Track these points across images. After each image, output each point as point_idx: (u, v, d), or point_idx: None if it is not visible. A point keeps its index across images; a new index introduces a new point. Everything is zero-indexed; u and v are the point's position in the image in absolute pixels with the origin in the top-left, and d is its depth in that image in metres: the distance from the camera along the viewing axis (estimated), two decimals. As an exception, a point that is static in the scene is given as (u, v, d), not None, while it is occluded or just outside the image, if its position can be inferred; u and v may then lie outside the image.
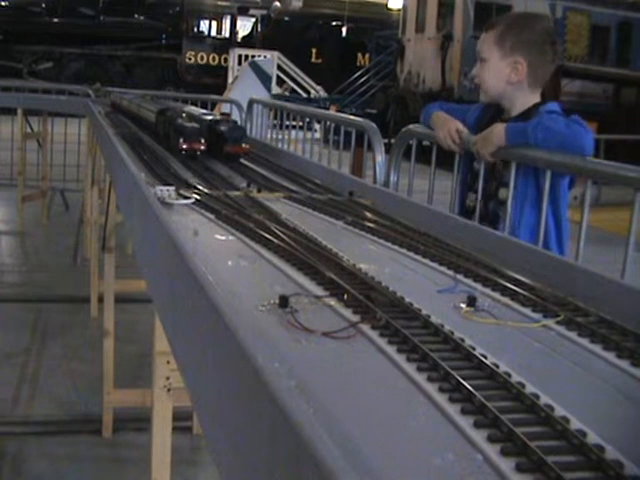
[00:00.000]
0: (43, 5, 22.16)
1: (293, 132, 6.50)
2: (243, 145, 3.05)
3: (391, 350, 1.14)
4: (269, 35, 23.02)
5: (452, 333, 1.18)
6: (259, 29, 23.88)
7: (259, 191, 2.45)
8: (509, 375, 1.04)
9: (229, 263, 1.63)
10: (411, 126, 3.55)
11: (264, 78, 17.76)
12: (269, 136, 7.01)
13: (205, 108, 6.76)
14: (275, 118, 6.89)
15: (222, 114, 3.56)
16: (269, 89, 17.72)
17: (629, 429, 1.00)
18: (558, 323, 1.32)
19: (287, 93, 18.86)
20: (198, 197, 2.21)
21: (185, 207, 2.15)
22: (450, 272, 1.61)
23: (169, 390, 1.91)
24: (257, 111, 7.13)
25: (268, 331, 1.21)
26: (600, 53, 16.55)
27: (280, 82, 19.26)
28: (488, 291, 1.49)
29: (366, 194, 2.43)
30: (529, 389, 1.00)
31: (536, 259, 1.62)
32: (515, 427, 0.89)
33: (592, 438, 0.89)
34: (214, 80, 21.40)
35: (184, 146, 2.95)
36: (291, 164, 3.16)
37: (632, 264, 2.44)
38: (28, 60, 21.80)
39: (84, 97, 7.71)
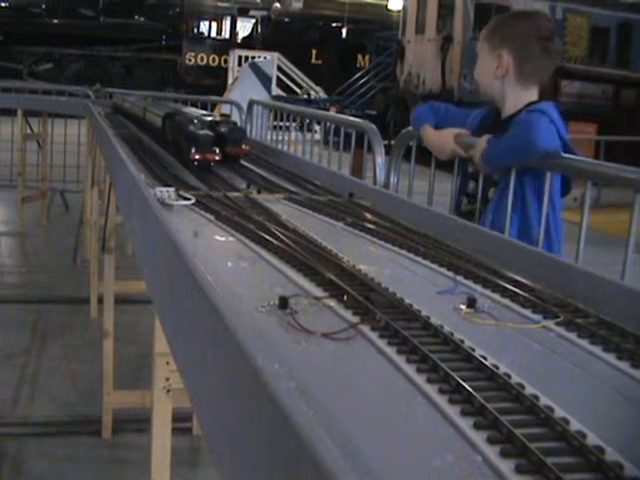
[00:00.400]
0: (43, 6, 22.16)
1: (293, 133, 6.50)
2: (243, 146, 3.02)
3: (391, 351, 1.14)
4: (269, 36, 23.03)
5: (452, 334, 1.18)
6: (259, 30, 23.89)
7: (259, 192, 2.45)
8: (509, 376, 1.04)
9: (229, 264, 1.63)
10: (411, 127, 3.55)
11: (264, 79, 17.76)
12: (269, 137, 7.01)
13: (205, 109, 6.77)
14: (275, 119, 6.90)
15: (222, 115, 3.56)
16: (269, 90, 17.72)
17: (629, 430, 1.00)
18: (558, 324, 1.32)
19: (306, 95, 19.02)
20: (198, 198, 2.21)
21: (185, 208, 2.15)
22: (450, 273, 1.61)
23: (169, 391, 1.91)
24: (257, 112, 7.14)
25: (268, 332, 1.21)
26: (600, 54, 16.56)
27: (299, 87, 19.42)
28: (488, 292, 1.49)
29: (366, 195, 2.43)
30: (529, 390, 1.00)
31: (536, 260, 1.62)
32: (515, 428, 0.89)
33: (592, 439, 0.89)
34: (214, 81, 21.41)
35: (196, 156, 2.74)
36: (291, 165, 3.16)
37: (632, 266, 2.44)
38: (28, 61, 21.80)
39: (84, 98, 7.71)
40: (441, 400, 0.98)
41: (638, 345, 1.21)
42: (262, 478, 0.84)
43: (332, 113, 10.59)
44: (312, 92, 19.61)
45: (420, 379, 1.05)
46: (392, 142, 3.99)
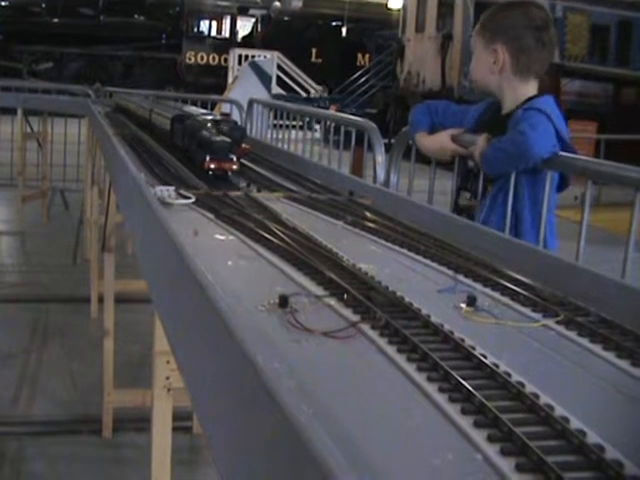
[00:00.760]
0: (43, 5, 22.15)
1: (293, 132, 6.50)
2: (243, 145, 3.01)
3: (391, 350, 1.14)
4: (269, 35, 23.02)
5: (452, 333, 1.18)
6: (259, 29, 23.88)
7: (259, 191, 2.45)
8: (509, 375, 1.04)
9: (229, 263, 1.63)
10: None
11: (264, 78, 17.76)
12: (269, 136, 7.01)
13: (205, 108, 6.77)
14: (275, 118, 6.90)
15: (222, 114, 3.57)
16: (269, 89, 17.72)
17: (629, 429, 1.00)
18: (558, 323, 1.32)
19: (325, 94, 19.14)
20: (198, 197, 2.21)
21: (185, 207, 2.15)
22: (450, 272, 1.61)
23: (169, 390, 1.91)
24: (257, 111, 7.14)
25: (268, 331, 1.21)
26: (600, 53, 16.55)
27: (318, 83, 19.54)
28: (488, 291, 1.49)
29: (366, 194, 2.43)
30: (529, 389, 1.00)
31: (536, 259, 1.62)
32: (515, 427, 0.89)
33: (592, 438, 0.89)
34: (214, 80, 21.39)
35: (211, 165, 2.47)
36: (291, 164, 3.16)
37: (632, 264, 2.44)
38: (28, 60, 21.79)
39: (84, 97, 7.71)
40: (441, 398, 0.98)
41: (638, 343, 1.21)
42: (262, 477, 0.84)
43: (332, 112, 10.59)
44: (312, 90, 19.61)
45: (420, 377, 1.05)
46: (392, 140, 3.99)
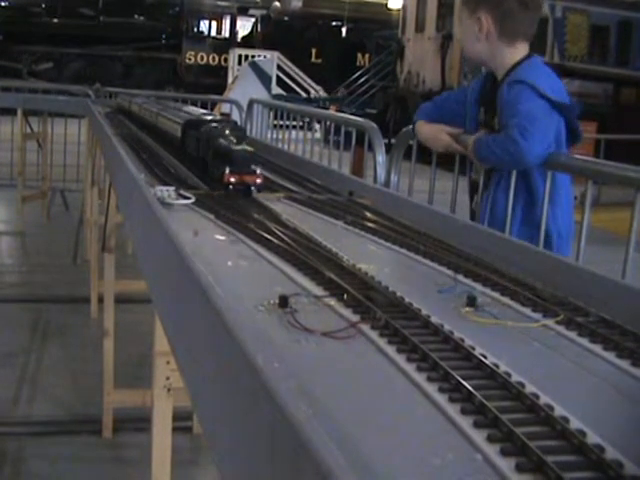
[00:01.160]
0: (43, 5, 22.15)
1: (293, 132, 6.50)
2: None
3: (391, 350, 1.14)
4: (269, 35, 23.01)
5: (452, 333, 1.18)
6: (259, 29, 23.88)
7: (259, 191, 2.45)
8: (509, 375, 1.04)
9: (229, 263, 1.63)
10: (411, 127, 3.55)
11: (264, 78, 17.76)
12: (269, 136, 7.01)
13: (205, 108, 6.76)
14: (275, 118, 6.89)
15: (222, 114, 3.57)
16: (269, 89, 17.72)
17: (629, 429, 1.00)
18: (558, 323, 1.32)
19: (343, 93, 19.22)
20: (198, 197, 2.21)
21: (185, 207, 2.15)
22: (450, 272, 1.61)
23: (169, 390, 1.91)
24: (257, 111, 7.13)
25: (268, 331, 1.21)
26: (600, 53, 16.54)
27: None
28: (488, 291, 1.49)
29: (366, 194, 2.43)
30: (529, 389, 1.00)
31: (536, 259, 1.62)
32: (515, 427, 0.89)
33: (592, 438, 0.89)
34: (214, 80, 21.38)
35: (231, 179, 2.19)
36: (291, 164, 3.16)
37: (632, 264, 2.44)
38: (28, 60, 21.79)
39: (84, 97, 7.71)
40: (441, 399, 0.98)
41: (638, 343, 1.21)
42: (262, 477, 0.84)
43: (332, 112, 10.59)
44: (312, 90, 19.60)
45: (420, 378, 1.05)
46: (392, 141, 3.99)
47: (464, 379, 1.01)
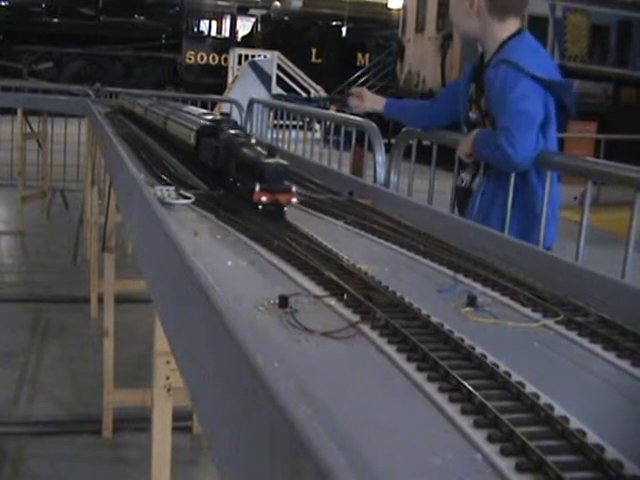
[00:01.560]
0: (43, 5, 22.15)
1: (293, 132, 6.50)
2: None
3: (391, 350, 1.14)
4: (269, 35, 23.01)
5: (452, 333, 1.18)
6: (259, 29, 23.88)
7: None
8: (509, 375, 1.04)
9: (229, 263, 1.63)
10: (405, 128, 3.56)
11: (264, 78, 17.76)
12: (269, 136, 7.01)
13: (205, 108, 6.77)
14: (275, 118, 6.89)
15: (222, 114, 3.56)
16: (269, 89, 17.72)
17: (629, 429, 1.00)
18: (558, 323, 1.32)
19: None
20: (197, 197, 2.21)
21: (185, 207, 2.15)
22: (450, 272, 1.61)
23: (169, 390, 1.91)
24: (257, 111, 7.13)
25: (268, 331, 1.21)
26: (600, 53, 16.54)
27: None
28: (488, 291, 1.49)
29: (366, 194, 2.43)
30: (529, 389, 1.00)
31: (536, 259, 1.62)
32: (515, 427, 0.89)
33: (592, 438, 0.89)
34: (214, 80, 21.37)
35: (262, 197, 1.90)
36: (291, 164, 3.16)
37: (632, 264, 2.44)
38: (28, 60, 21.79)
39: (84, 97, 7.71)
40: (441, 399, 0.98)
41: (638, 344, 1.21)
42: (262, 477, 0.84)
43: (332, 112, 10.59)
44: (312, 90, 19.57)
45: (420, 377, 1.05)
46: (392, 141, 3.99)
47: (464, 379, 1.01)
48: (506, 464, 0.84)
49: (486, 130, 2.72)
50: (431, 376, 1.04)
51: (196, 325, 1.21)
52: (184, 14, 23.10)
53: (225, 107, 10.62)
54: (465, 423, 0.92)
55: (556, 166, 2.67)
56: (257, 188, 1.89)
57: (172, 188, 2.25)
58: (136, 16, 23.07)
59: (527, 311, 1.38)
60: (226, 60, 21.76)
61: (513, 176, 2.70)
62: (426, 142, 3.65)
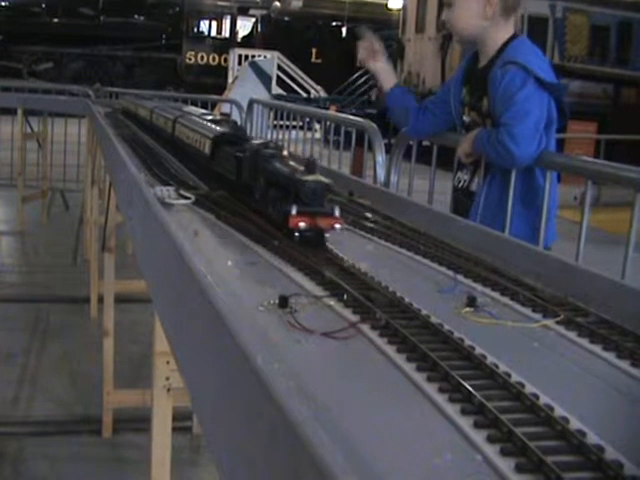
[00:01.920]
0: (43, 5, 22.15)
1: (293, 132, 6.50)
2: None
3: (391, 350, 1.14)
4: (269, 35, 23.02)
5: (452, 333, 1.18)
6: (259, 29, 23.88)
7: None
8: (509, 375, 1.04)
9: (229, 263, 1.63)
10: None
11: (264, 78, 17.76)
12: (269, 136, 7.01)
13: (205, 108, 6.76)
14: (275, 118, 6.89)
15: (222, 114, 3.56)
16: (269, 89, 17.72)
17: (629, 429, 1.00)
18: (558, 323, 1.32)
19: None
20: (197, 197, 2.21)
21: (185, 207, 2.15)
22: (450, 272, 1.61)
23: (169, 390, 1.91)
24: (257, 111, 7.13)
25: (268, 331, 1.21)
26: (600, 53, 16.54)
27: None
28: (488, 291, 1.49)
29: (366, 194, 2.43)
30: (529, 389, 1.00)
31: (536, 259, 1.62)
32: (515, 427, 0.89)
33: (592, 438, 0.88)
34: (214, 80, 21.39)
35: (300, 223, 1.60)
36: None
37: (632, 264, 2.44)
38: (28, 60, 21.80)
39: (84, 97, 7.71)
40: (441, 399, 0.98)
41: (638, 344, 1.21)
42: (262, 477, 0.84)
43: (332, 112, 10.59)
44: (312, 91, 19.55)
45: (420, 378, 1.05)
46: (392, 141, 3.99)
47: (464, 379, 1.01)
48: (506, 464, 0.84)
49: (486, 129, 2.72)
50: (431, 376, 1.04)
51: (196, 325, 1.21)
52: (184, 14, 23.11)
53: (225, 107, 10.62)
54: (465, 423, 0.92)
55: (556, 166, 2.67)
56: (294, 211, 1.58)
57: (172, 188, 2.25)
58: (136, 16, 23.07)
59: (527, 311, 1.38)
60: (226, 60, 21.77)
61: (520, 177, 2.71)
62: (426, 142, 3.65)
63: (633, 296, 1.34)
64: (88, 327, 5.21)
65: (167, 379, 1.90)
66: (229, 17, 23.62)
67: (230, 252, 1.72)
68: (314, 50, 23.51)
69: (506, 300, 1.44)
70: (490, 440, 0.88)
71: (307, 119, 5.94)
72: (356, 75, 20.26)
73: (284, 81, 19.54)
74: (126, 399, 3.78)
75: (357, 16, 23.18)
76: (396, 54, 18.39)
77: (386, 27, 21.18)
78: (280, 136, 6.75)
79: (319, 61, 23.43)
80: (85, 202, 6.66)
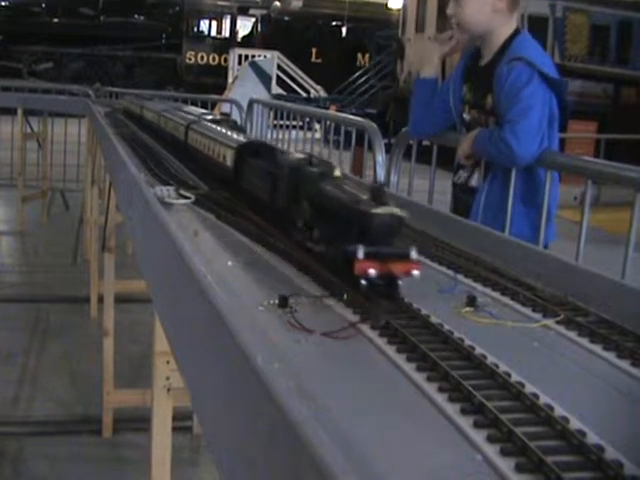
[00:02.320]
0: (43, 5, 22.15)
1: (293, 132, 6.50)
2: None
3: (391, 350, 1.14)
4: (269, 35, 23.01)
5: (452, 333, 1.18)
6: (259, 29, 23.88)
7: None
8: (509, 375, 1.04)
9: (229, 263, 1.63)
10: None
11: (264, 78, 17.75)
12: (269, 136, 7.01)
13: (205, 108, 6.76)
14: (275, 118, 6.89)
15: (222, 114, 3.55)
16: (269, 89, 17.71)
17: (629, 429, 1.00)
18: (558, 323, 1.32)
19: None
20: (197, 197, 2.20)
21: (185, 207, 2.15)
22: (450, 272, 1.61)
23: (169, 390, 1.91)
24: (257, 111, 7.13)
25: (268, 331, 1.21)
26: (600, 53, 16.54)
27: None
28: (488, 291, 1.49)
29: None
30: (529, 389, 1.00)
31: (536, 259, 1.62)
32: (515, 427, 0.89)
33: (592, 438, 0.88)
34: (214, 80, 21.38)
35: (370, 270, 1.24)
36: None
37: (632, 264, 2.44)
38: (28, 60, 21.79)
39: (84, 97, 7.71)
40: (441, 399, 0.98)
41: (638, 344, 1.21)
42: (262, 477, 0.84)
43: (332, 112, 10.59)
44: (312, 90, 19.52)
45: (420, 377, 1.05)
46: (392, 140, 3.99)
47: (464, 379, 1.01)
48: (506, 464, 0.84)
49: (488, 128, 2.72)
50: (431, 376, 1.04)
51: (196, 325, 1.21)
52: (184, 14, 23.10)
53: (225, 107, 10.62)
54: (465, 423, 0.92)
55: (557, 166, 2.67)
56: (360, 254, 1.23)
57: (172, 188, 2.25)
58: (136, 16, 23.07)
59: (527, 311, 1.38)
60: (226, 60, 21.76)
61: (522, 176, 2.70)
62: (426, 142, 3.65)
63: (633, 296, 1.34)
64: (88, 327, 5.21)
65: (167, 379, 1.90)
66: (229, 17, 23.61)
67: (230, 252, 1.72)
68: (314, 50, 23.49)
69: (506, 300, 1.44)
70: (490, 440, 0.88)
71: (307, 119, 5.94)
72: (356, 75, 20.26)
73: (284, 81, 19.53)
74: (126, 399, 3.79)
75: (357, 16, 23.18)
76: (396, 54, 18.39)
77: (386, 27, 21.20)
78: (280, 136, 6.75)
79: (319, 61, 23.41)
80: (85, 202, 6.66)
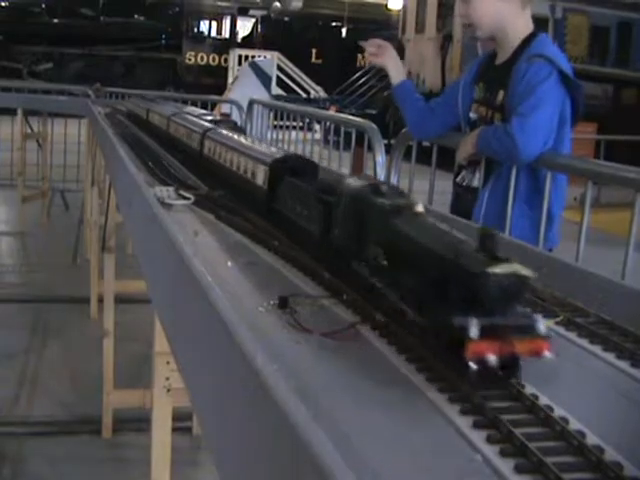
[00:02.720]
0: (43, 5, 22.15)
1: (293, 132, 6.50)
2: None
3: (390, 351, 1.14)
4: (269, 35, 23.02)
5: (452, 333, 1.18)
6: (259, 29, 23.89)
7: None
8: (508, 375, 1.04)
9: (229, 264, 1.63)
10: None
11: (264, 78, 17.75)
12: (269, 137, 7.01)
13: (205, 109, 6.76)
14: (275, 119, 6.89)
15: (222, 114, 3.55)
16: (269, 89, 17.71)
17: (629, 430, 1.00)
18: (558, 324, 1.31)
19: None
20: (197, 197, 2.20)
21: (184, 207, 2.15)
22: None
23: (169, 390, 1.91)
24: (257, 112, 7.13)
25: (267, 332, 1.21)
26: (600, 54, 16.54)
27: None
28: (488, 291, 1.49)
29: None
30: (528, 390, 1.00)
31: (536, 259, 1.61)
32: (514, 428, 0.89)
33: (591, 439, 0.88)
34: (214, 80, 21.38)
35: (488, 353, 0.92)
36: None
37: (632, 264, 2.44)
38: (28, 60, 21.79)
39: (84, 97, 7.71)
40: (441, 399, 0.98)
41: (638, 344, 1.21)
42: (262, 477, 0.84)
43: (332, 112, 10.59)
44: (312, 91, 19.52)
45: (419, 378, 1.04)
46: (392, 141, 3.99)
47: (464, 380, 1.01)
48: (505, 465, 0.84)
49: (491, 126, 2.72)
50: (430, 377, 1.04)
51: (196, 325, 1.21)
52: (184, 14, 23.11)
53: (225, 108, 10.62)
54: (464, 423, 0.92)
55: (557, 166, 2.67)
56: (472, 332, 0.92)
57: (172, 188, 2.25)
58: (136, 16, 23.07)
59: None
60: (226, 61, 21.77)
61: (526, 177, 2.70)
62: (426, 143, 3.65)
63: (633, 296, 1.34)
64: (88, 327, 5.21)
65: (167, 379, 1.91)
66: (229, 17, 23.62)
67: (230, 252, 1.72)
68: (314, 50, 23.50)
69: (506, 300, 1.44)
70: (490, 440, 0.88)
71: (307, 119, 5.94)
72: (356, 75, 20.26)
73: (284, 81, 19.53)
74: (126, 399, 3.78)
75: (357, 16, 23.19)
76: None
77: (386, 27, 21.21)
78: (280, 136, 6.75)
79: (319, 61, 23.42)
80: (85, 202, 6.66)
